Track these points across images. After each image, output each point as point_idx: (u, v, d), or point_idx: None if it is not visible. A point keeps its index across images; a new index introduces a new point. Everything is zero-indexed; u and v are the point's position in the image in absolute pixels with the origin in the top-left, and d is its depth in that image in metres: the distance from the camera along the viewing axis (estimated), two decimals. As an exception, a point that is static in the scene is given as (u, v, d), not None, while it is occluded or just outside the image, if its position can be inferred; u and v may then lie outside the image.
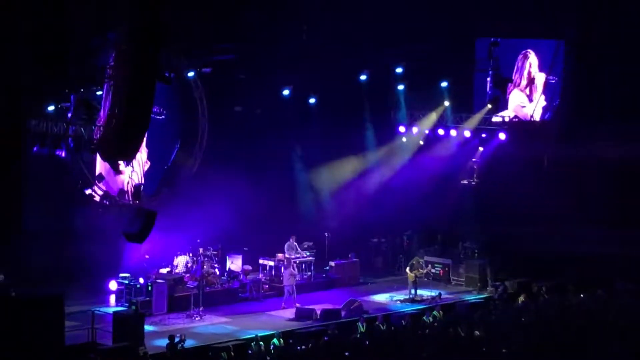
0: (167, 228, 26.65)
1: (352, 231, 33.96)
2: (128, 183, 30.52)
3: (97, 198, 29.83)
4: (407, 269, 30.78)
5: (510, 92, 34.79)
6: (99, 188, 29.95)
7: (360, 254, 34.02)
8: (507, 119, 34.57)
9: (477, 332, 22.59)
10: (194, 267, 29.16)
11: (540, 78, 34.55)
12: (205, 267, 29.17)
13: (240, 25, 29.79)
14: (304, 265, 31.34)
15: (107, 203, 30.04)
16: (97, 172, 29.71)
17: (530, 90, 34.93)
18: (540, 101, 34.74)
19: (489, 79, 33.41)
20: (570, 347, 19.94)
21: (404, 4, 30.72)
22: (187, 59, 28.63)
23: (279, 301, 29.32)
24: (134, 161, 29.68)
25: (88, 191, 29.55)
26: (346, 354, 20.77)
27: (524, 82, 34.90)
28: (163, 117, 30.54)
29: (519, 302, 27.92)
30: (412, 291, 30.33)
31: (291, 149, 34.00)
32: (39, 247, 27.58)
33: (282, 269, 30.05)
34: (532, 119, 34.89)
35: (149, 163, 31.33)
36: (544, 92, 34.57)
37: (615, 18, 32.87)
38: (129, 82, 18.51)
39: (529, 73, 34.72)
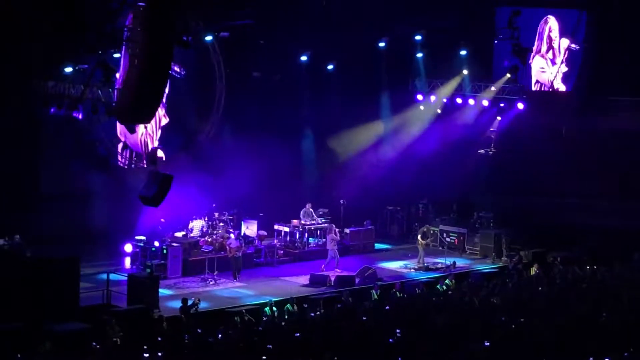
0: (183, 192, 26.67)
1: (367, 199, 33.93)
2: (142, 142, 30.57)
3: (115, 161, 29.95)
4: (419, 236, 30.74)
5: (532, 60, 34.54)
6: (117, 150, 30.06)
7: (376, 222, 34.06)
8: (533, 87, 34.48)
9: (494, 300, 22.59)
10: (229, 239, 28.87)
11: (562, 43, 34.33)
12: (220, 232, 29.28)
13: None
14: (319, 232, 31.41)
15: (124, 166, 30.16)
16: (116, 134, 29.80)
17: (553, 55, 34.65)
18: (561, 67, 34.51)
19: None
20: (584, 318, 19.87)
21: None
22: (205, 23, 28.48)
23: (293, 267, 29.48)
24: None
25: (105, 154, 29.70)
26: (363, 318, 20.77)
27: (544, 47, 34.65)
28: (181, 75, 30.44)
29: (533, 272, 27.89)
30: (422, 259, 30.36)
31: (308, 115, 33.86)
32: (56, 209, 27.71)
33: (325, 234, 30.28)
34: (552, 86, 34.66)
35: (167, 118, 31.26)
36: (566, 58, 34.35)
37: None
38: (146, 45, 18.41)
39: (549, 37, 34.46)
